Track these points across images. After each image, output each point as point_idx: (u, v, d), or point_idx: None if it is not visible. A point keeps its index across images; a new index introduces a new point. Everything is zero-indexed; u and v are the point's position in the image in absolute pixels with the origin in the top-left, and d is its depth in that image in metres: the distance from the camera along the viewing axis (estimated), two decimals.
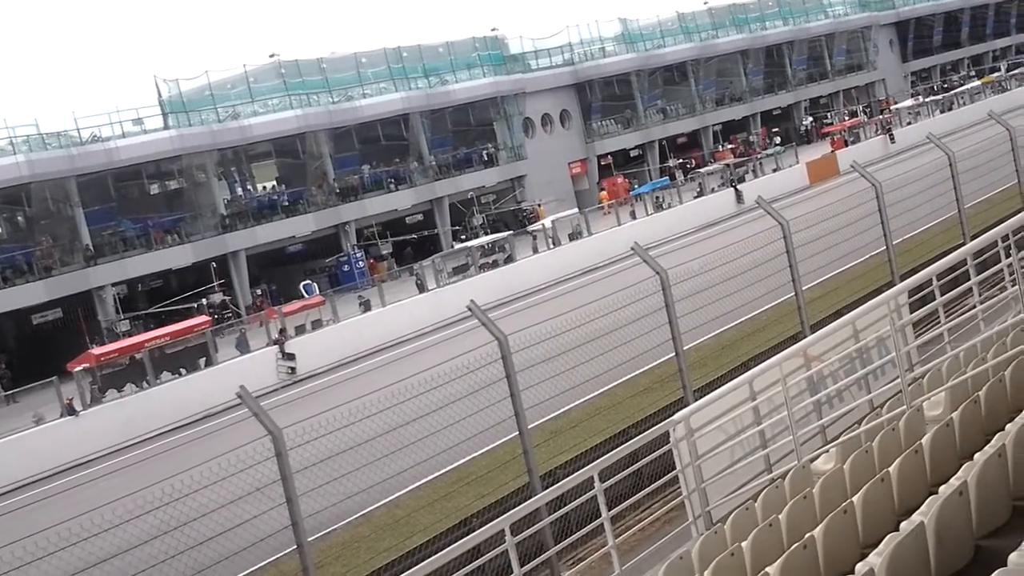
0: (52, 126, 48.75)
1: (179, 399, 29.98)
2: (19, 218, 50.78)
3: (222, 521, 12.02)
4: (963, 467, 8.28)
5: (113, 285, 47.34)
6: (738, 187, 53.92)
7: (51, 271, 45.85)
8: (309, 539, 11.53)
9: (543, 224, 52.72)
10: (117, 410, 31.09)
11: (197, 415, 26.72)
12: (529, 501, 11.24)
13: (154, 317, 47.13)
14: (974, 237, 18.19)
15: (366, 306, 40.38)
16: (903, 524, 7.57)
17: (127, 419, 29.40)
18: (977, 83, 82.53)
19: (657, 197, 57.92)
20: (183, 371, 34.95)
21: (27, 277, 45.21)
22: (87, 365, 34.27)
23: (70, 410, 30.59)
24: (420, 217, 60.81)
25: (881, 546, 7.18)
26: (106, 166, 48.84)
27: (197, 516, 11.83)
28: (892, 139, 60.54)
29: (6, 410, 36.40)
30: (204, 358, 35.84)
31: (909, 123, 69.56)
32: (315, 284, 48.50)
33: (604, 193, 64.47)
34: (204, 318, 40.96)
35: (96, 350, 36.60)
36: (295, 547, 11.37)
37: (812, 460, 11.43)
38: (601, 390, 17.85)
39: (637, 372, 18.22)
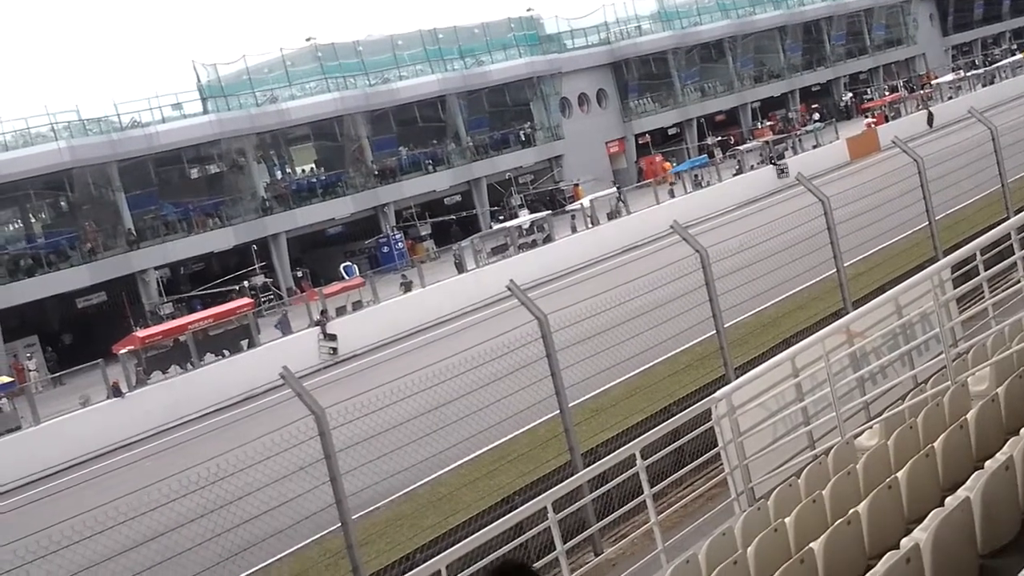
0: (93, 112, 49.17)
1: (223, 380, 30.25)
2: (62, 203, 51.38)
3: (267, 500, 12.15)
4: (1009, 442, 8.22)
5: (156, 268, 47.85)
6: (779, 162, 53.65)
7: (95, 255, 46.35)
8: (353, 517, 11.61)
9: (581, 203, 52.66)
10: (162, 391, 31.43)
11: (241, 396, 26.97)
12: (571, 479, 11.29)
13: (197, 300, 47.57)
14: (1017, 211, 18.01)
15: (407, 287, 40.52)
16: (948, 499, 7.54)
17: (172, 400, 29.71)
18: (1019, 56, 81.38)
19: (696, 175, 57.64)
20: (226, 353, 35.27)
21: (72, 261, 45.74)
22: (132, 348, 34.66)
23: (116, 392, 30.97)
24: (458, 198, 60.91)
25: (926, 521, 7.16)
26: (147, 151, 49.29)
27: (242, 495, 11.95)
28: (931, 121, 59.12)
29: (53, 392, 36.87)
30: (247, 340, 36.16)
31: (950, 98, 68.77)
32: (355, 266, 48.75)
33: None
34: (246, 300, 41.29)
35: (140, 333, 37.02)
36: (339, 525, 11.46)
37: (856, 436, 11.39)
38: (642, 368, 17.83)
39: (678, 350, 18.17)
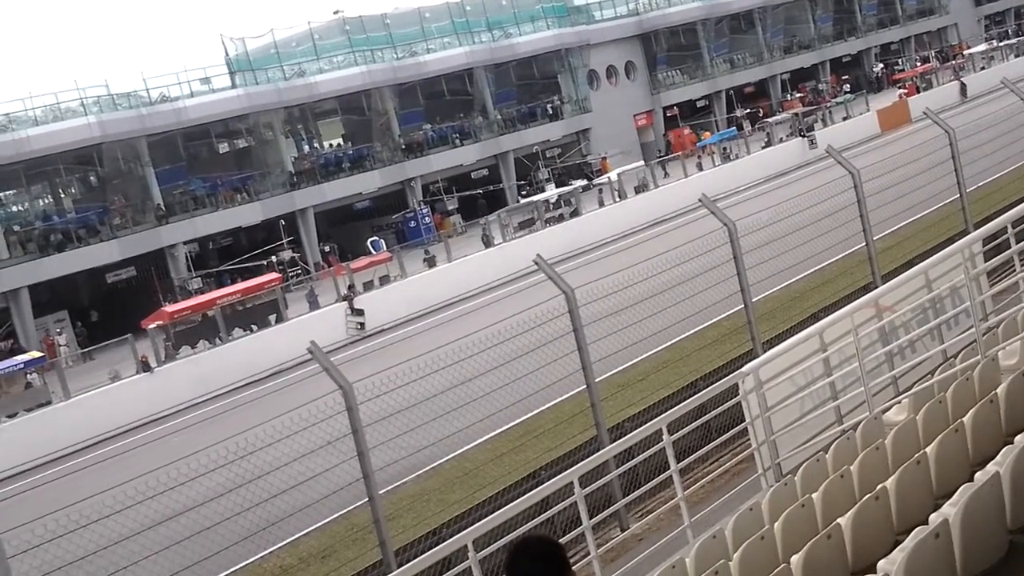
0: (122, 87, 49.45)
1: (251, 355, 30.38)
2: (92, 178, 51.68)
3: (295, 474, 12.20)
4: None
5: (185, 243, 48.05)
6: (809, 134, 53.37)
7: (124, 230, 46.60)
8: (380, 491, 11.64)
9: (609, 177, 52.47)
10: (191, 366, 31.60)
11: (269, 370, 27.08)
12: (597, 454, 11.28)
13: (225, 274, 47.79)
14: None
15: (431, 262, 40.59)
16: (977, 475, 7.47)
17: (200, 375, 29.89)
18: None
19: (724, 148, 57.29)
20: (254, 327, 35.44)
21: (101, 236, 45.99)
22: (161, 322, 34.88)
23: (145, 367, 31.16)
24: (485, 172, 60.79)
25: (955, 496, 7.09)
26: (175, 126, 49.45)
27: (271, 470, 11.99)
28: (964, 91, 58.53)
29: (83, 367, 37.16)
30: (275, 314, 36.31)
31: (983, 68, 67.98)
32: (382, 240, 48.80)
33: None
34: (274, 275, 41.44)
35: (169, 308, 37.23)
36: (366, 499, 11.49)
37: (884, 411, 11.31)
38: (669, 343, 17.78)
39: (705, 324, 18.09)
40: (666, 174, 52.57)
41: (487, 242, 42.96)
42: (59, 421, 28.09)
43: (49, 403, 30.99)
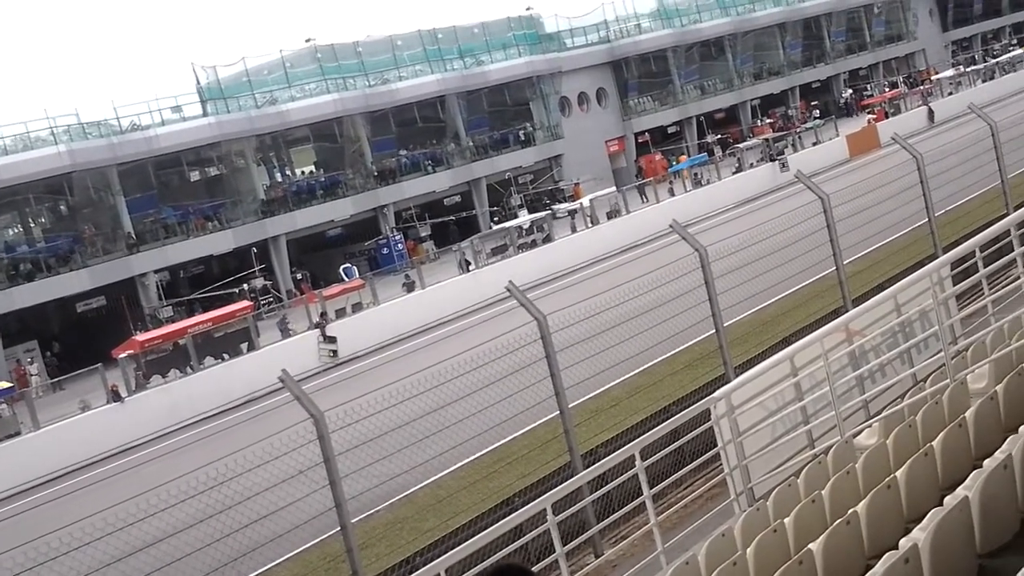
0: (92, 115, 49.11)
1: (222, 384, 30.26)
2: (62, 207, 51.31)
3: (266, 504, 12.12)
4: (1008, 440, 8.19)
5: (155, 272, 47.78)
6: (780, 157, 53.79)
7: (95, 259, 46.29)
8: (353, 520, 11.59)
9: (581, 203, 52.62)
10: (161, 395, 31.41)
11: (240, 399, 26.96)
12: (570, 480, 11.27)
13: (196, 303, 47.54)
14: (1017, 207, 17.98)
15: (410, 287, 40.52)
16: (947, 499, 7.51)
17: (171, 404, 29.72)
18: (1019, 51, 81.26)
19: (696, 173, 57.59)
20: (226, 356, 35.22)
21: (71, 265, 45.67)
22: (131, 352, 34.62)
23: (115, 396, 30.94)
24: (458, 198, 60.84)
25: (925, 521, 7.12)
26: (146, 154, 49.21)
27: (242, 499, 11.91)
28: (931, 117, 59.14)
29: (53, 397, 36.82)
30: (246, 343, 36.11)
31: (950, 93, 68.68)
32: (355, 267, 48.70)
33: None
34: (246, 303, 41.24)
35: (140, 337, 36.98)
36: (339, 528, 11.43)
37: (855, 435, 11.36)
38: (641, 368, 17.80)
39: (677, 349, 18.13)
40: (645, 199, 52.80)
41: (465, 267, 42.94)
42: (29, 452, 27.83)
43: (18, 434, 30.68)
